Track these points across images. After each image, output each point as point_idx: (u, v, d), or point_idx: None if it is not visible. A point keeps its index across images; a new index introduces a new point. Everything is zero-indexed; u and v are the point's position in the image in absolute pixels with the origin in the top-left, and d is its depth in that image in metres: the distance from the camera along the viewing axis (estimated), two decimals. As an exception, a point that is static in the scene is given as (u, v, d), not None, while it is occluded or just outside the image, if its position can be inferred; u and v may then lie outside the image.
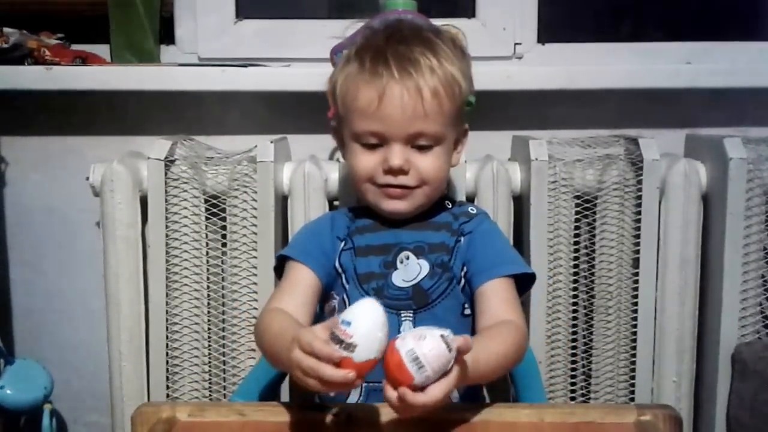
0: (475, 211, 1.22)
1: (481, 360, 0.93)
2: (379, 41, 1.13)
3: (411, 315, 1.13)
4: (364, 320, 0.83)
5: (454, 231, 1.17)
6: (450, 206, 1.22)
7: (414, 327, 1.11)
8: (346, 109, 1.14)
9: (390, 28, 1.17)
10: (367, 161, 1.12)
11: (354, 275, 1.15)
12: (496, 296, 1.11)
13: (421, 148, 1.11)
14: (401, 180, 1.11)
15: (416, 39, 1.12)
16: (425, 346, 0.83)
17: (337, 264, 1.16)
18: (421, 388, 0.83)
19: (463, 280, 1.15)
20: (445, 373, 0.84)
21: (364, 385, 1.09)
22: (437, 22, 1.28)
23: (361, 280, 1.14)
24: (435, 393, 0.83)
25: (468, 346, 0.86)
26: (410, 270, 1.14)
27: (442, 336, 0.83)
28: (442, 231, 1.17)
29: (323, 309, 1.20)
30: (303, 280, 1.13)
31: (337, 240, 1.18)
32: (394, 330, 1.03)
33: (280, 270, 1.19)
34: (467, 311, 1.15)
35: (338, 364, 0.82)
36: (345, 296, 1.15)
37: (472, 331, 1.13)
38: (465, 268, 1.15)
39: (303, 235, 1.24)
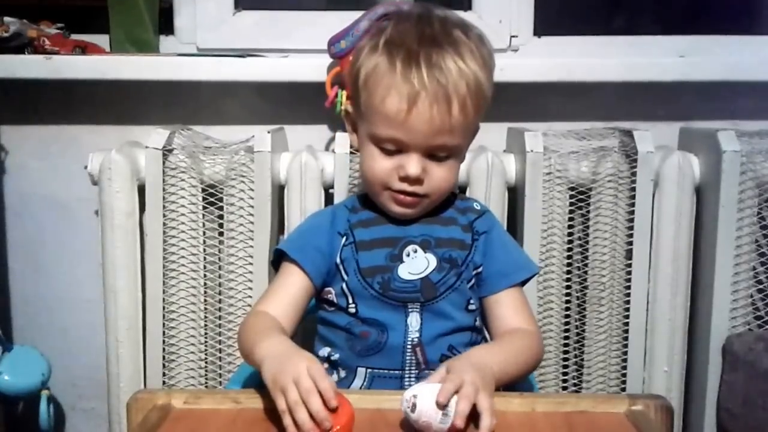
0: (479, 207, 1.21)
1: (496, 371, 0.99)
2: (411, 40, 1.08)
3: (418, 307, 1.12)
4: None
5: (465, 227, 1.17)
6: (452, 200, 1.20)
7: (421, 319, 1.12)
8: (370, 108, 1.10)
9: (421, 21, 1.11)
10: (383, 165, 1.11)
11: (356, 269, 1.13)
12: (511, 304, 1.15)
13: (438, 159, 1.10)
14: (415, 188, 1.10)
15: (447, 39, 1.08)
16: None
17: (338, 260, 1.14)
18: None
19: (473, 280, 1.15)
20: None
21: (369, 371, 1.12)
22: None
23: (364, 274, 1.12)
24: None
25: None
26: (417, 263, 1.13)
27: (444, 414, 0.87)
28: (452, 226, 1.16)
29: (319, 300, 1.19)
30: (294, 284, 1.14)
31: (338, 236, 1.16)
32: (401, 323, 1.11)
33: (277, 262, 1.18)
34: (472, 306, 1.15)
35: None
36: (345, 287, 1.13)
37: (478, 326, 1.17)
38: (478, 270, 1.15)
39: (302, 230, 1.22)
